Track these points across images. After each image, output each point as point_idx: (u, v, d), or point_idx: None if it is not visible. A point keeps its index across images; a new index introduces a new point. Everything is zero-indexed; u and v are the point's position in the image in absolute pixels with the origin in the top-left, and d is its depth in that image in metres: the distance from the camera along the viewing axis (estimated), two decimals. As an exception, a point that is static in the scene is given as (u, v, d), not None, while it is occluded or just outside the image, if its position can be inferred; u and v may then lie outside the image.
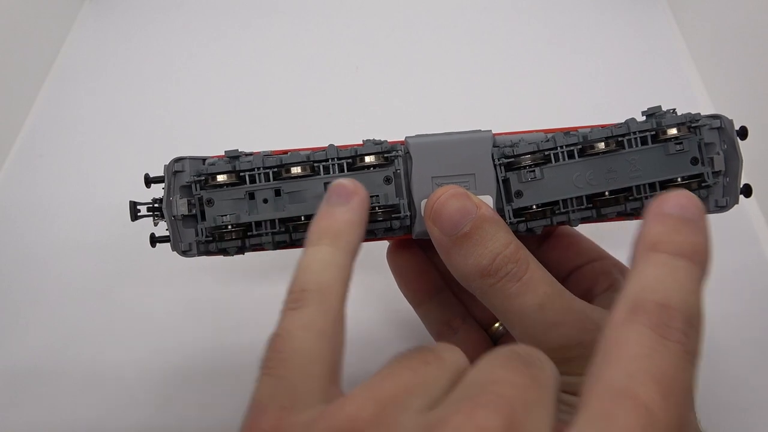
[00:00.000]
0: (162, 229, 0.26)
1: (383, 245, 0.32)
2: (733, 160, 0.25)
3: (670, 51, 0.51)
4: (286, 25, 0.54)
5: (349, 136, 0.28)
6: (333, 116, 0.47)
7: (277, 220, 0.25)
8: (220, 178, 0.25)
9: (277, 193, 0.25)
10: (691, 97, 0.47)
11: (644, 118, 0.26)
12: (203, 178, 0.25)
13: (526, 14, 0.54)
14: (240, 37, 0.54)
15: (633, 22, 0.53)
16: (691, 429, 0.23)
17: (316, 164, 0.25)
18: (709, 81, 0.48)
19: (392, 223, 0.25)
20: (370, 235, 0.26)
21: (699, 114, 0.25)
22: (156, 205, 0.26)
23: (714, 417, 0.28)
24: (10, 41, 0.49)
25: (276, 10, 0.56)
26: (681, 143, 0.25)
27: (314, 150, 0.25)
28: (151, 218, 0.26)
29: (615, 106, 0.40)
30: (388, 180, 0.25)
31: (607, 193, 0.25)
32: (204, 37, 0.54)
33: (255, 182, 0.25)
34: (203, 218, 0.25)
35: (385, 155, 0.25)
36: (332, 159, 0.25)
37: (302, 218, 0.25)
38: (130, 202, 0.26)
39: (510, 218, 0.25)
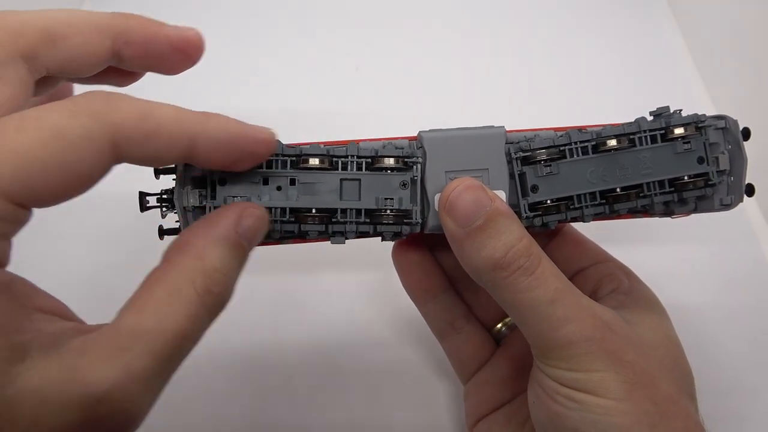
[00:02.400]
0: (169, 221, 0.26)
1: (387, 243, 0.32)
2: (738, 159, 0.26)
3: (671, 51, 0.52)
4: (287, 24, 0.55)
5: (354, 135, 0.28)
6: (335, 115, 0.47)
7: (288, 209, 0.25)
8: None
9: (292, 182, 0.25)
10: (691, 97, 0.48)
11: (651, 118, 0.26)
12: None
13: (527, 15, 0.54)
14: (240, 35, 0.54)
15: (633, 23, 0.54)
16: (693, 424, 0.24)
17: (335, 159, 0.25)
18: (709, 81, 0.49)
19: (402, 228, 0.25)
20: (378, 235, 0.26)
21: (704, 115, 0.26)
22: (165, 196, 0.26)
23: (713, 410, 0.28)
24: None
25: (277, 9, 0.56)
26: (689, 142, 0.25)
27: (334, 144, 0.25)
28: (159, 210, 0.26)
29: (616, 106, 0.40)
30: (404, 185, 0.25)
31: (618, 189, 0.25)
32: (204, 37, 0.54)
33: (271, 168, 0.25)
34: (213, 197, 0.24)
35: (405, 160, 0.25)
36: (352, 156, 0.25)
37: (313, 211, 0.25)
38: (140, 192, 0.25)
39: (526, 212, 0.25)
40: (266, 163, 0.25)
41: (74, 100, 0.18)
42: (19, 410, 0.16)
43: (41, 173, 0.17)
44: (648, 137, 0.25)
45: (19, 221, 0.17)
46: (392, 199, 0.25)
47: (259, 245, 0.26)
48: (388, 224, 0.25)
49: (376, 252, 0.33)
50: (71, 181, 0.17)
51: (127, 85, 0.25)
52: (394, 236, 0.26)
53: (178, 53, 0.23)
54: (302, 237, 0.25)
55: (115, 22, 0.22)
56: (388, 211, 0.25)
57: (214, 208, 0.24)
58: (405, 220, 0.25)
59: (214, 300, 0.20)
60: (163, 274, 0.20)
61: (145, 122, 0.19)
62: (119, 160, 0.19)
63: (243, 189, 0.24)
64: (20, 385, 0.16)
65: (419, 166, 0.25)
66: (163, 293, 0.19)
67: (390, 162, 0.25)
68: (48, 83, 0.23)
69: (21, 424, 0.16)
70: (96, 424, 0.17)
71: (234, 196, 0.24)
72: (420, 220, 0.25)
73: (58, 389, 0.17)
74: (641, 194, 0.25)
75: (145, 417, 0.19)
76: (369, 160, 0.25)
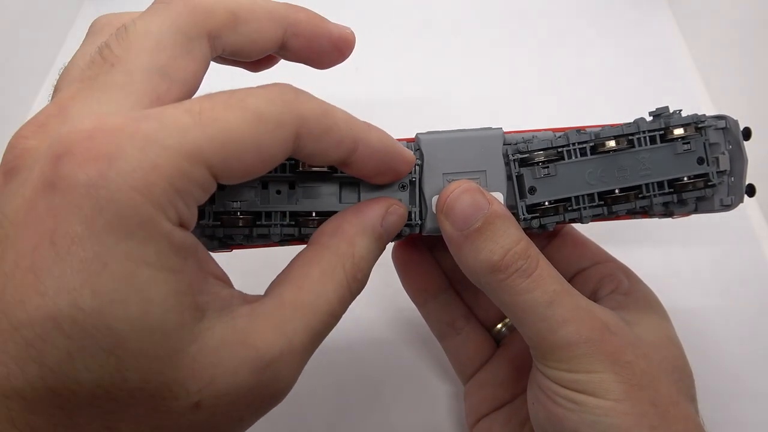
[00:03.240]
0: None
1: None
2: (738, 160, 0.26)
3: (671, 51, 0.51)
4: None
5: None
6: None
7: (288, 213, 0.25)
8: None
9: (291, 185, 0.25)
10: (691, 97, 0.48)
11: (651, 118, 0.26)
12: None
13: (526, 16, 0.54)
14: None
15: (633, 22, 0.53)
16: (693, 425, 0.23)
17: None
18: (709, 81, 0.49)
19: (403, 230, 0.25)
20: None
21: (704, 115, 0.26)
22: None
23: (713, 411, 0.28)
24: (10, 42, 0.49)
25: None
26: (688, 143, 0.25)
27: None
28: None
29: (615, 106, 0.40)
30: (403, 187, 0.25)
31: (617, 191, 0.25)
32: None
33: (271, 172, 0.24)
34: (212, 202, 0.24)
35: None
36: None
37: (313, 214, 0.25)
38: None
39: (523, 214, 0.25)
40: None
41: (268, 89, 0.19)
42: (199, 366, 0.17)
43: (239, 150, 0.18)
44: (647, 138, 0.25)
45: (209, 192, 0.18)
46: None
47: (258, 247, 0.26)
48: None
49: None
50: (258, 161, 0.18)
51: (257, 72, 0.27)
52: (395, 238, 0.26)
53: (336, 50, 0.24)
54: (303, 240, 0.25)
55: (288, 13, 0.23)
56: None
57: (215, 213, 0.24)
58: (405, 222, 0.25)
59: (357, 286, 0.22)
60: (316, 255, 0.21)
61: (325, 119, 0.20)
62: (295, 150, 0.20)
63: (243, 193, 0.24)
64: (200, 344, 0.17)
65: (417, 167, 0.25)
66: (318, 273, 0.21)
67: None
68: None
69: (201, 381, 0.17)
70: (260, 390, 0.18)
71: (234, 201, 0.24)
72: (419, 221, 0.25)
73: (232, 350, 0.18)
74: (640, 195, 0.25)
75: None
76: None
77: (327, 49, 0.24)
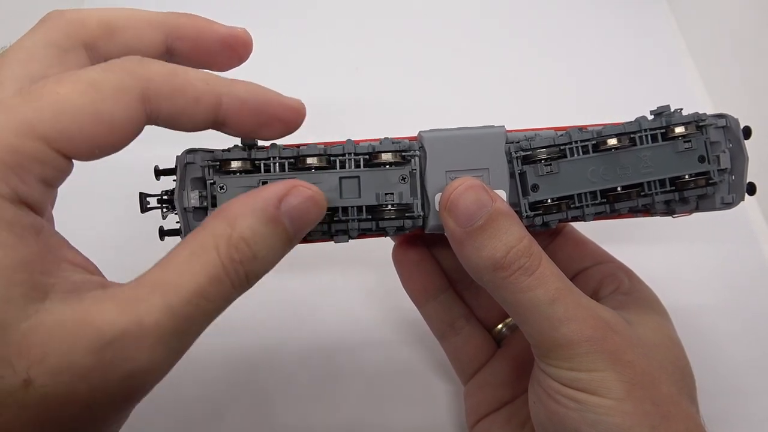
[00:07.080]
0: (170, 222, 0.26)
1: (387, 243, 0.32)
2: (739, 158, 0.26)
3: (670, 51, 0.52)
4: (287, 23, 0.55)
5: (354, 135, 0.29)
6: (336, 115, 0.47)
7: None
8: (235, 164, 0.24)
9: None
10: (691, 96, 0.48)
11: (652, 117, 0.26)
12: (217, 163, 0.24)
13: (527, 15, 0.54)
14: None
15: (633, 22, 0.54)
16: (694, 425, 0.24)
17: (332, 158, 0.25)
18: (709, 81, 0.49)
19: (405, 222, 0.25)
20: (381, 232, 0.26)
21: (705, 113, 0.26)
22: (165, 197, 0.25)
23: (713, 411, 0.28)
24: (10, 42, 0.48)
25: (278, 9, 0.56)
26: (689, 141, 0.25)
27: (331, 144, 0.25)
28: (160, 211, 0.26)
29: (616, 105, 0.40)
30: (403, 179, 0.25)
31: (619, 189, 0.25)
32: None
33: (270, 171, 0.25)
34: (214, 205, 0.24)
35: (403, 154, 0.25)
36: (349, 154, 0.25)
37: None
38: (140, 193, 0.25)
39: (526, 211, 0.25)
40: (264, 166, 0.25)
41: (109, 61, 0.20)
42: (29, 344, 0.17)
43: (77, 120, 0.18)
44: (648, 136, 0.25)
45: (60, 170, 0.19)
46: (392, 194, 0.25)
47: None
48: (390, 219, 0.25)
49: (376, 252, 0.33)
50: (104, 130, 0.19)
51: None
52: (397, 230, 0.26)
53: (228, 49, 0.25)
54: (305, 239, 0.25)
55: (168, 18, 0.23)
56: (389, 207, 0.25)
57: None
58: (407, 214, 0.25)
59: (237, 269, 0.20)
60: (192, 236, 0.20)
61: (174, 77, 0.20)
62: (150, 116, 0.20)
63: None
64: (34, 322, 0.17)
65: (417, 159, 0.25)
66: (187, 253, 0.20)
67: (388, 157, 0.25)
68: None
69: (30, 358, 0.17)
70: (105, 370, 0.18)
71: None
72: (422, 213, 0.25)
73: (69, 329, 0.17)
74: (642, 193, 0.25)
75: (162, 375, 0.19)
76: (367, 156, 0.25)
77: (217, 49, 0.24)
